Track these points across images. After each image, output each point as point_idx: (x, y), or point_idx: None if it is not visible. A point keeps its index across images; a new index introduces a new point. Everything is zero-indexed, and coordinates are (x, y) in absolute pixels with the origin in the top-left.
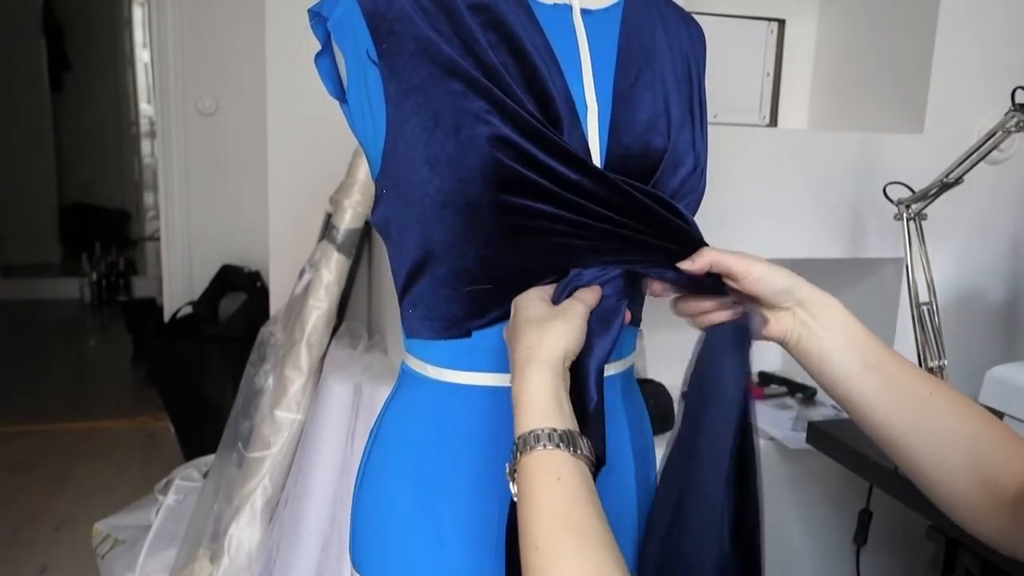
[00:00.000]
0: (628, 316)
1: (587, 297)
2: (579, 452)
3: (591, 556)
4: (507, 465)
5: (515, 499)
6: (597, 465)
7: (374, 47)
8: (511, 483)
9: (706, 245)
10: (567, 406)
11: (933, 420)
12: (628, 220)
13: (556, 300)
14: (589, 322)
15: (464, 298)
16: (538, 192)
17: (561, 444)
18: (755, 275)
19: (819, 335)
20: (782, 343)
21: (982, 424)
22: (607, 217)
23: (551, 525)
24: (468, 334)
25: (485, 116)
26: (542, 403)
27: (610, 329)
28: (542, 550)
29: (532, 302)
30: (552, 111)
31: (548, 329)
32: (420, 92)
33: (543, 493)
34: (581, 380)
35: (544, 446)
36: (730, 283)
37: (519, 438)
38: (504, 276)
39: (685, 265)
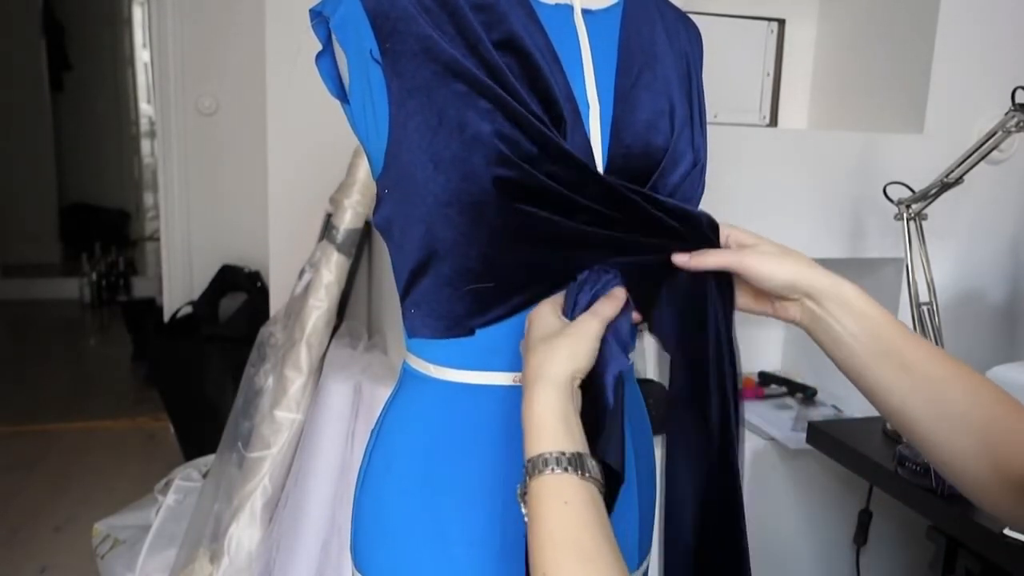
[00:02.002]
0: (637, 317)
1: (605, 310)
2: (587, 475)
3: None
4: (518, 487)
5: (526, 521)
6: (616, 482)
7: (377, 46)
8: (522, 505)
9: (716, 238)
10: (576, 427)
11: (947, 406)
12: (627, 224)
13: (567, 312)
14: (606, 338)
15: (466, 297)
16: (540, 191)
17: (569, 467)
18: (752, 273)
19: (829, 324)
20: (800, 327)
21: (999, 409)
22: (607, 219)
23: (558, 550)
24: (471, 332)
25: (489, 115)
26: (550, 425)
27: (626, 349)
28: (549, 575)
29: (543, 318)
30: (555, 111)
31: (556, 348)
32: (423, 91)
33: (550, 518)
34: (596, 392)
35: (552, 470)
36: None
37: (528, 461)
38: (506, 275)
39: (681, 260)
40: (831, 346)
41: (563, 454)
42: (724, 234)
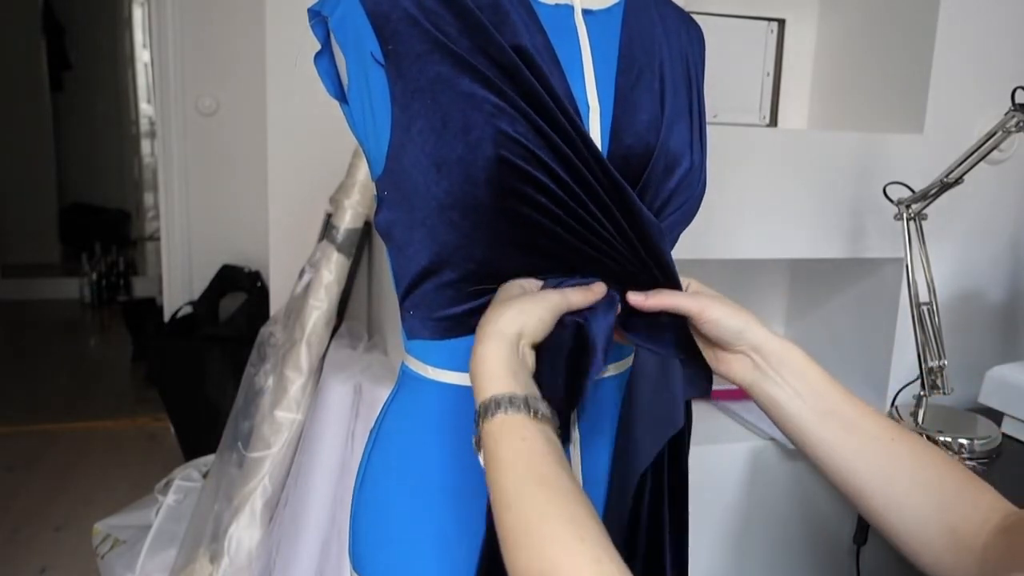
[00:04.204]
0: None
1: (574, 295)
2: (540, 415)
3: (564, 508)
4: (473, 437)
5: (483, 467)
6: (566, 417)
7: (379, 48)
8: (478, 453)
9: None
10: (523, 376)
11: (896, 466)
12: (617, 234)
13: None
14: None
15: (468, 298)
16: (544, 192)
17: (523, 408)
18: (707, 317)
19: (775, 381)
20: (742, 387)
21: (944, 469)
22: (601, 228)
23: (520, 483)
24: (473, 331)
25: (493, 116)
26: (497, 372)
27: (612, 306)
28: (514, 508)
29: (507, 289)
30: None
31: (506, 307)
32: (428, 93)
33: (509, 454)
34: (591, 345)
35: (505, 411)
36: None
37: (480, 405)
38: (508, 276)
39: (637, 300)
40: (775, 406)
41: (515, 395)
42: (684, 283)
